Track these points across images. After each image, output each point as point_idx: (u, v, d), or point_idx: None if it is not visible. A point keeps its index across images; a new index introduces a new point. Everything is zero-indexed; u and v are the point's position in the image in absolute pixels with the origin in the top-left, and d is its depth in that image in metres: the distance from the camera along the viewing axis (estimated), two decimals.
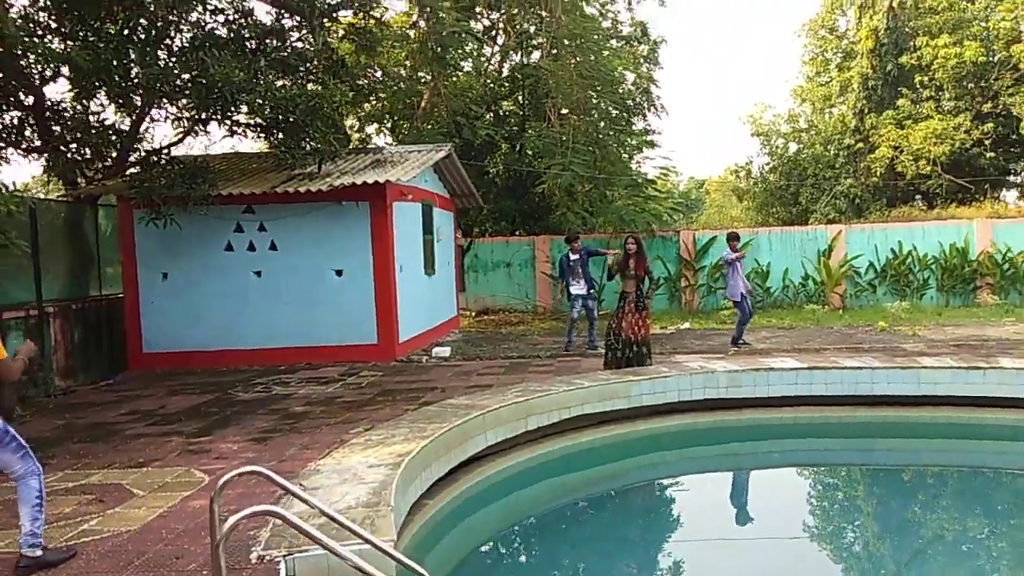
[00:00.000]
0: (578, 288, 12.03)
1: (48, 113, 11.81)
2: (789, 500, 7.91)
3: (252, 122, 11.36)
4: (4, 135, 11.69)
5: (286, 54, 11.03)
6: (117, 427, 7.81)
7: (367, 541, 3.77)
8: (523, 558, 6.65)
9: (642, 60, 21.64)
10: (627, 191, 17.43)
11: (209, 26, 11.21)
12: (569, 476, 8.20)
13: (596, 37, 17.30)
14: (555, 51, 16.54)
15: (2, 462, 4.25)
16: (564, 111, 17.31)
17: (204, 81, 9.57)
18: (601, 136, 16.93)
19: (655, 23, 40.06)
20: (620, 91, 18.54)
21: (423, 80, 17.68)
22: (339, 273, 11.68)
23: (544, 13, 16.77)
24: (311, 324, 11.66)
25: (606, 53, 17.88)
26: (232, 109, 10.46)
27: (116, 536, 4.66)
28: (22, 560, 4.16)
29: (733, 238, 12.05)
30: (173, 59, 10.59)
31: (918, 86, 26.35)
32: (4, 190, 7.91)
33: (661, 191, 20.81)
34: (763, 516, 7.24)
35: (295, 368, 11.22)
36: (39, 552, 4.19)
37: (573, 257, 12.00)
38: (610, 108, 18.05)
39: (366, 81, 13.64)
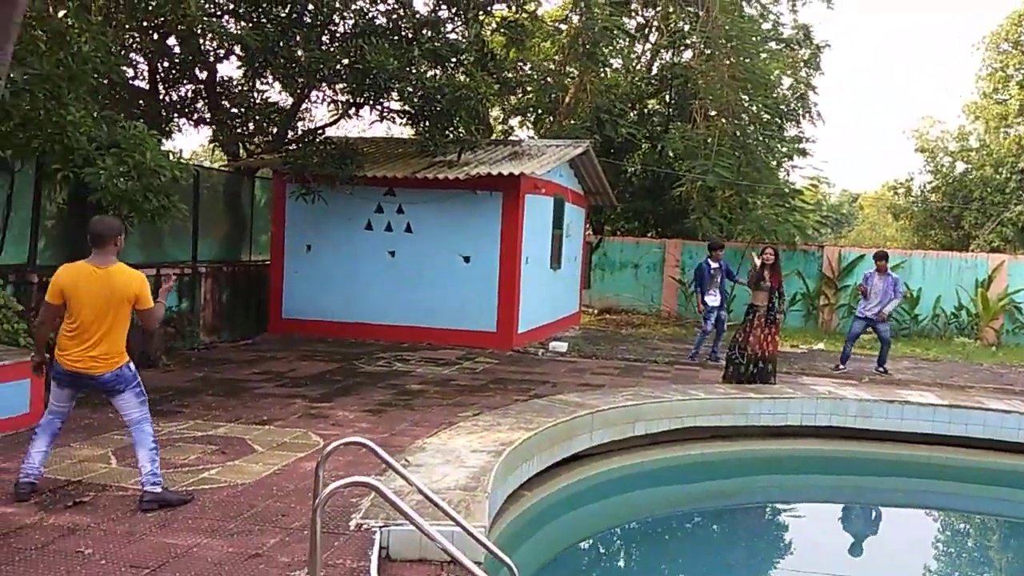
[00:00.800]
0: (713, 299, 11.67)
1: (218, 89, 12.78)
2: (910, 543, 7.39)
3: (401, 109, 11.79)
4: (178, 106, 12.77)
5: (439, 44, 11.36)
6: (248, 385, 8.37)
7: (459, 524, 3.86)
8: (612, 563, 6.59)
9: (802, 64, 20.70)
10: (771, 199, 16.76)
11: (370, 14, 11.73)
12: (672, 488, 8.04)
13: (754, 39, 16.72)
14: (709, 51, 16.11)
15: (124, 404, 4.63)
16: (712, 113, 16.87)
17: (361, 67, 10.03)
18: (749, 141, 16.35)
19: (820, 26, 38.01)
20: (774, 95, 17.82)
21: (570, 76, 17.72)
22: (467, 259, 11.95)
23: (701, 12, 16.38)
24: (435, 306, 12.00)
25: (763, 55, 17.25)
26: (384, 95, 10.92)
27: (231, 487, 5.01)
28: (145, 495, 4.56)
29: (881, 257, 11.35)
30: (335, 44, 11.16)
31: None
32: (171, 157, 8.60)
33: (808, 202, 19.85)
34: (874, 557, 6.81)
35: (416, 347, 11.60)
36: (159, 489, 4.58)
37: (714, 266, 11.62)
38: (761, 112, 17.40)
39: (513, 74, 13.83)
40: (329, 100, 11.78)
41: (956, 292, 16.60)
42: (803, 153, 19.67)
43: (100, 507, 4.53)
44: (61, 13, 9.04)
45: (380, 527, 4.28)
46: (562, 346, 12.08)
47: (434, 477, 5.16)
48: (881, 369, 11.20)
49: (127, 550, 3.96)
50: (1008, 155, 26.82)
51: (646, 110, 19.87)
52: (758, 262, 9.89)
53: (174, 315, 10.70)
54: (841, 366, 11.32)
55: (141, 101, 11.83)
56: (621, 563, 6.57)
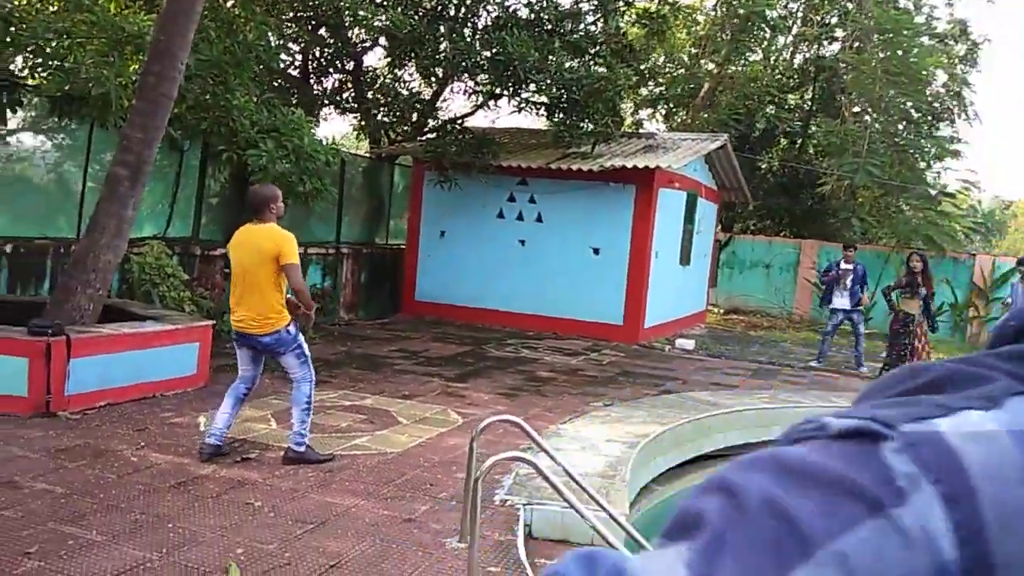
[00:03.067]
0: (841, 301, 11.13)
1: (363, 78, 13.34)
2: None
3: (538, 100, 11.92)
4: (327, 94, 13.42)
5: (579, 36, 11.40)
6: (388, 361, 8.74)
7: (603, 508, 3.91)
8: None
9: (957, 61, 19.38)
10: (920, 202, 15.83)
11: (513, 7, 11.91)
12: None
13: (907, 32, 15.80)
14: (858, 44, 15.36)
15: (286, 363, 4.90)
16: (856, 109, 16.09)
17: (502, 58, 10.22)
18: (900, 140, 15.50)
19: (978, 21, 35.44)
20: (928, 92, 16.80)
21: (707, 69, 17.34)
22: (596, 251, 11.95)
23: (851, 4, 15.65)
24: (562, 297, 12.08)
25: (916, 50, 16.28)
26: (523, 86, 11.06)
27: (382, 455, 5.26)
28: (288, 452, 4.87)
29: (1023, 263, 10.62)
30: (477, 36, 11.41)
31: None
32: (326, 142, 9.08)
33: (960, 207, 18.60)
34: None
35: (542, 336, 11.72)
36: (303, 449, 4.84)
37: (845, 266, 11.11)
38: (911, 110, 16.45)
39: (648, 66, 13.70)
40: (469, 91, 12.05)
41: None
42: (956, 155, 18.43)
43: (265, 464, 4.88)
44: (229, 3, 9.71)
45: (524, 504, 4.39)
46: (689, 343, 11.90)
47: (572, 462, 5.21)
48: None
49: (291, 505, 4.25)
50: None
51: (787, 105, 19.16)
52: (907, 268, 9.44)
53: (318, 291, 11.31)
54: None
55: (294, 89, 12.51)
56: None
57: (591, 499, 3.95)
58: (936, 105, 17.61)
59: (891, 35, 15.01)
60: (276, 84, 11.71)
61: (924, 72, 16.30)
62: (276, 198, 4.90)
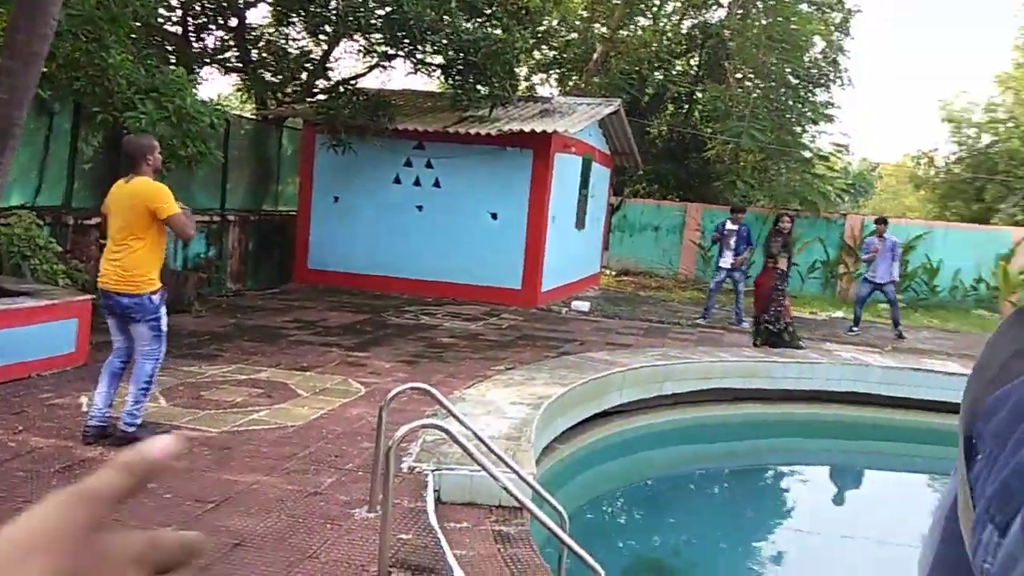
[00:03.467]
0: (726, 260, 11.71)
1: (248, 36, 12.71)
2: (920, 509, 7.55)
3: (435, 61, 11.71)
4: (209, 53, 12.72)
5: None
6: (283, 332, 8.51)
7: (512, 469, 3.98)
8: (635, 516, 6.76)
9: (833, 28, 20.36)
10: (797, 165, 16.65)
11: None
12: (696, 447, 8.20)
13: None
14: (742, 11, 15.87)
15: (137, 334, 4.53)
16: (739, 75, 16.67)
17: (397, 17, 9.95)
18: (779, 105, 16.19)
19: None
20: (806, 59, 17.58)
21: (599, 33, 17.50)
22: (494, 216, 11.98)
23: None
24: (461, 262, 12.07)
25: (795, 17, 16.98)
26: (419, 47, 10.83)
27: (283, 428, 5.15)
28: (118, 432, 4.55)
29: (881, 222, 11.95)
30: None
31: None
32: (210, 102, 8.62)
33: (833, 169, 19.71)
34: (885, 521, 6.95)
35: (441, 302, 11.69)
36: (133, 430, 4.53)
37: (731, 227, 11.64)
38: (791, 76, 17.19)
39: (544, 27, 13.68)
40: (363, 50, 11.68)
41: (976, 265, 16.56)
42: (830, 119, 19.46)
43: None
44: None
45: (432, 471, 4.41)
46: (584, 306, 12.16)
47: (477, 427, 5.26)
48: (898, 330, 11.57)
49: (189, 485, 4.11)
50: None
51: (675, 70, 19.63)
52: (776, 229, 10.02)
53: (203, 260, 10.82)
54: (854, 328, 11.71)
55: (174, 47, 11.78)
56: (640, 516, 6.73)
57: (500, 461, 4.02)
58: (814, 71, 18.49)
59: (773, 2, 15.57)
60: (154, 41, 11.00)
61: (804, 39, 17.05)
62: (153, 148, 4.60)
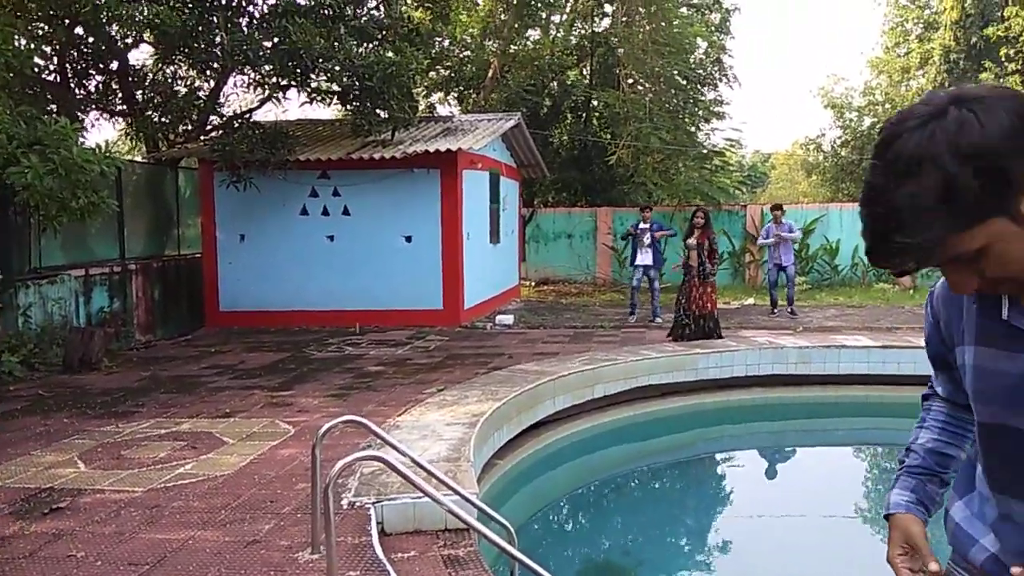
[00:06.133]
0: (643, 258, 12.02)
1: (132, 78, 12.26)
2: (852, 479, 7.87)
3: (330, 89, 11.57)
4: (92, 98, 12.20)
5: (364, 21, 11.16)
6: (201, 379, 8.19)
7: (455, 491, 3.93)
8: (581, 521, 6.80)
9: (713, 29, 21.21)
10: (695, 163, 17.22)
11: None
12: (632, 445, 8.30)
13: (668, 4, 17.03)
14: (627, 18, 16.34)
15: None
16: (631, 81, 17.13)
17: (286, 48, 9.79)
18: (671, 107, 16.73)
19: None
20: (692, 60, 18.24)
21: (491, 49, 17.68)
22: (408, 239, 11.89)
23: None
24: (379, 289, 11.92)
25: (677, 21, 17.60)
26: (312, 76, 10.68)
27: (212, 479, 4.94)
28: None
29: (776, 208, 12.74)
30: (255, 25, 10.84)
31: (1003, 59, 25.15)
32: (99, 150, 8.24)
33: (729, 163, 20.48)
34: (822, 495, 7.22)
35: (364, 330, 11.51)
36: None
37: (643, 226, 11.97)
38: (679, 78, 17.79)
39: (437, 48, 13.73)
40: (254, 84, 11.42)
41: None
42: (720, 116, 20.24)
43: (80, 511, 4.41)
44: None
45: (373, 503, 4.32)
46: (508, 319, 12.20)
47: (415, 452, 5.19)
48: (791, 307, 12.32)
49: (120, 549, 3.89)
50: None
51: (569, 81, 20.02)
52: (691, 224, 10.31)
53: (107, 314, 10.33)
54: (775, 311, 12.16)
55: (52, 96, 11.25)
56: (588, 520, 6.77)
57: (442, 484, 3.96)
58: (700, 72, 19.20)
59: (654, 7, 16.10)
60: (32, 92, 10.48)
61: (687, 41, 17.70)
62: None
